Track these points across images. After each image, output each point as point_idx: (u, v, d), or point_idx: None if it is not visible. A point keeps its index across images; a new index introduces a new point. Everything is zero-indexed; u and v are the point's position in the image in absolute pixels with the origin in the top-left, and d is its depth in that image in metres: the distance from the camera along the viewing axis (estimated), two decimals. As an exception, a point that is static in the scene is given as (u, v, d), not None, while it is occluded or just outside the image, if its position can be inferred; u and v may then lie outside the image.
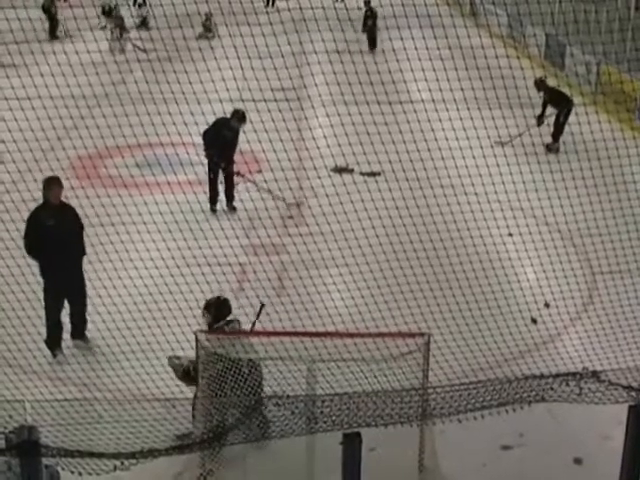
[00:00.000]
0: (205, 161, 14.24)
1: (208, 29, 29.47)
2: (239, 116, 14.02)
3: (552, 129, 17.75)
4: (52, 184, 9.71)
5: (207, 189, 14.36)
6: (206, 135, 14.00)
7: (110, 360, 8.70)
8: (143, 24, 29.99)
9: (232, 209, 14.34)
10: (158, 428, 6.08)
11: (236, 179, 14.51)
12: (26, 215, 9.50)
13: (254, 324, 8.26)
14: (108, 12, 30.16)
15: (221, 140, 13.97)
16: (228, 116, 14.02)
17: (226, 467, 7.67)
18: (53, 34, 30.19)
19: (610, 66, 20.29)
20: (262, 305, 8.36)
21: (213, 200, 14.47)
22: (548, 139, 17.50)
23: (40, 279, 9.53)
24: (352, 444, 6.17)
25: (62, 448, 5.84)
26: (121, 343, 8.40)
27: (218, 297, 8.43)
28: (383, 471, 7.61)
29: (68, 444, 5.93)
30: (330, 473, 6.84)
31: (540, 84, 17.70)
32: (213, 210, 14.32)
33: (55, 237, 9.45)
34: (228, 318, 8.18)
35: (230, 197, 14.57)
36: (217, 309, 8.24)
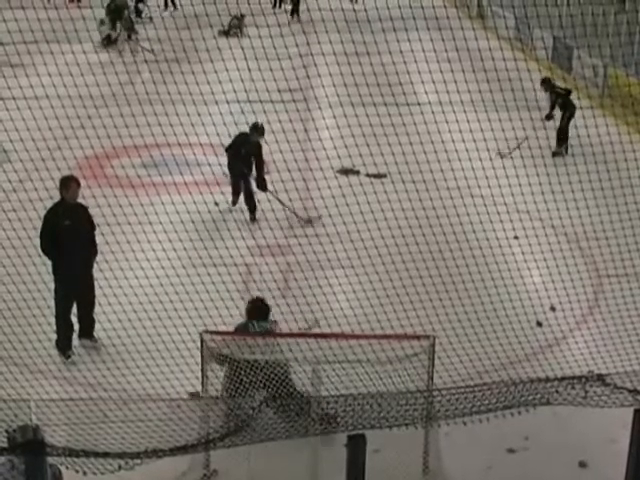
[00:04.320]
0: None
1: (236, 27, 29.69)
2: (259, 130, 14.06)
3: (556, 133, 17.69)
4: (70, 183, 9.70)
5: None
6: (228, 151, 14.15)
7: (116, 360, 8.70)
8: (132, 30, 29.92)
9: (252, 220, 14.29)
10: (163, 428, 6.08)
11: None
12: (33, 214, 9.50)
13: None
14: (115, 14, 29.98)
15: (242, 157, 14.15)
16: (247, 131, 14.08)
17: (230, 468, 7.68)
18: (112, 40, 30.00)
19: (617, 69, 20.27)
20: None
21: (234, 202, 14.74)
22: (554, 142, 17.45)
23: (48, 278, 9.54)
24: (356, 446, 6.17)
25: (67, 447, 5.85)
26: (127, 343, 8.41)
27: (257, 298, 8.73)
28: (387, 473, 7.61)
29: (73, 443, 5.94)
30: (334, 474, 6.85)
31: (547, 84, 17.67)
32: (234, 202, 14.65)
33: (70, 236, 9.46)
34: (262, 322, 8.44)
35: (252, 209, 14.49)
36: (250, 310, 8.56)
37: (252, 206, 14.50)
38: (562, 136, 17.63)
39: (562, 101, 17.75)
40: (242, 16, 29.28)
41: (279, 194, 12.99)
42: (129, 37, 29.43)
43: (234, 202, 14.71)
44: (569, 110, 17.55)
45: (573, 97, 17.88)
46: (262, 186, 14.34)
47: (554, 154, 17.00)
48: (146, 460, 5.98)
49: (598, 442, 8.34)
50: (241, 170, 14.27)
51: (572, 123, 17.31)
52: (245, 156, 14.22)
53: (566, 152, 17.24)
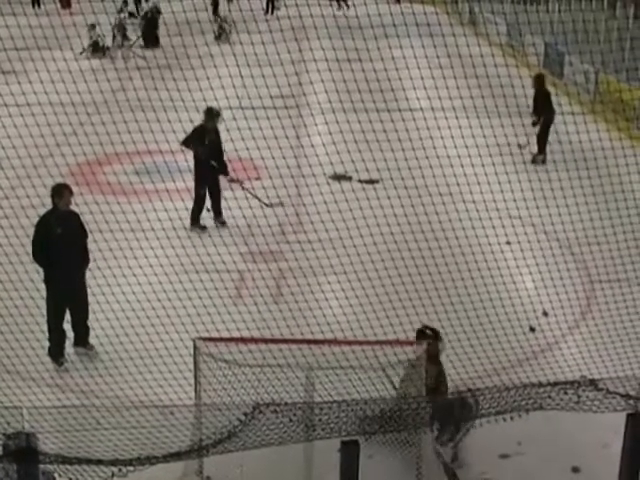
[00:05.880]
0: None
1: (222, 30, 29.89)
2: (212, 114, 12.97)
3: (536, 140, 17.52)
4: (63, 191, 9.66)
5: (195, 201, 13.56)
6: (188, 146, 13.16)
7: (108, 367, 8.69)
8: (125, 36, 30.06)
9: (222, 224, 13.44)
10: (156, 435, 6.07)
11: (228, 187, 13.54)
12: (24, 221, 9.48)
13: None
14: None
15: (208, 148, 13.19)
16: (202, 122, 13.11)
17: (224, 474, 7.67)
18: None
19: (609, 75, 20.35)
20: None
21: (196, 217, 13.49)
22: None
23: (41, 286, 9.52)
24: (350, 451, 6.17)
25: (60, 455, 5.84)
26: (119, 350, 8.40)
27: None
28: (381, 479, 7.61)
29: (66, 451, 5.93)
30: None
31: (539, 81, 17.50)
32: (201, 227, 13.36)
33: (62, 245, 9.42)
34: None
35: (218, 211, 13.64)
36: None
37: (220, 207, 13.55)
38: (542, 142, 17.45)
39: (545, 104, 17.51)
40: (222, 17, 29.85)
41: (271, 200, 12.99)
42: (122, 44, 29.46)
43: (200, 226, 13.34)
44: (547, 116, 17.38)
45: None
46: (224, 172, 13.39)
47: (534, 160, 16.87)
48: (139, 467, 5.97)
49: (591, 447, 8.34)
50: (208, 167, 13.13)
51: (552, 129, 17.22)
52: (210, 148, 13.13)
53: (545, 159, 17.06)
